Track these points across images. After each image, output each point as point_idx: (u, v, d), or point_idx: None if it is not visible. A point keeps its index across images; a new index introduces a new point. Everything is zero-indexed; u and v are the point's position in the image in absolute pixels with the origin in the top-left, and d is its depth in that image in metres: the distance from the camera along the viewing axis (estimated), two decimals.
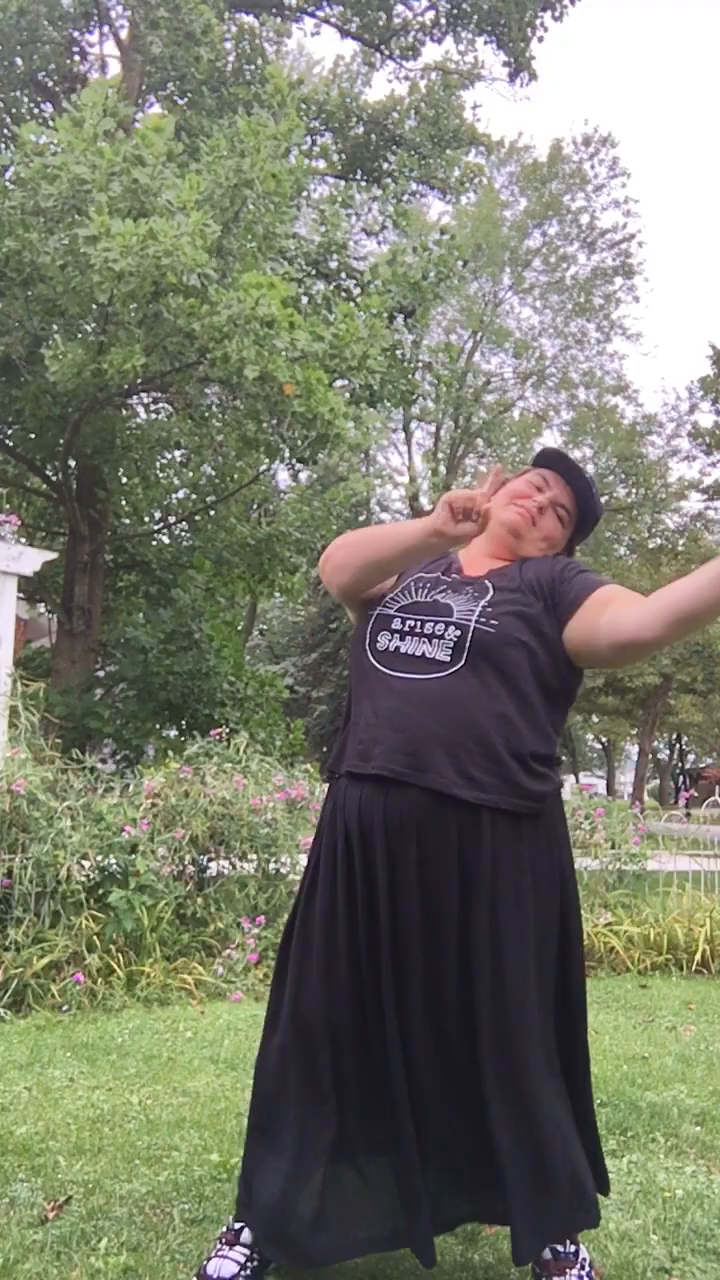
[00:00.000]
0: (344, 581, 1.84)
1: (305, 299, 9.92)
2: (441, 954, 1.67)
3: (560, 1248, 1.78)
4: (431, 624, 1.75)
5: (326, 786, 1.88)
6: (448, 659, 1.71)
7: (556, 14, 12.85)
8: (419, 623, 1.76)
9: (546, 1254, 1.78)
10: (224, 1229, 1.86)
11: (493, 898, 1.67)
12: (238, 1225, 1.82)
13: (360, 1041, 1.70)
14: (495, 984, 1.66)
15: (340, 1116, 1.71)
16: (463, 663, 1.70)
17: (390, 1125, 1.68)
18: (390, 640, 1.77)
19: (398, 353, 10.26)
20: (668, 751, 44.50)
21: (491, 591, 1.79)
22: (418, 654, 1.73)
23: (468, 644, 1.71)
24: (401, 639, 1.76)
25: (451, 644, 1.72)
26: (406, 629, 1.76)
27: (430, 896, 1.66)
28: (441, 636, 1.73)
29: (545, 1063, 1.72)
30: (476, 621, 1.72)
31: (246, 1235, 1.80)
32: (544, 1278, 1.77)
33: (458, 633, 1.72)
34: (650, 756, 31.43)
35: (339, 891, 1.72)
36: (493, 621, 1.72)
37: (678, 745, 44.27)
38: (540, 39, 13.12)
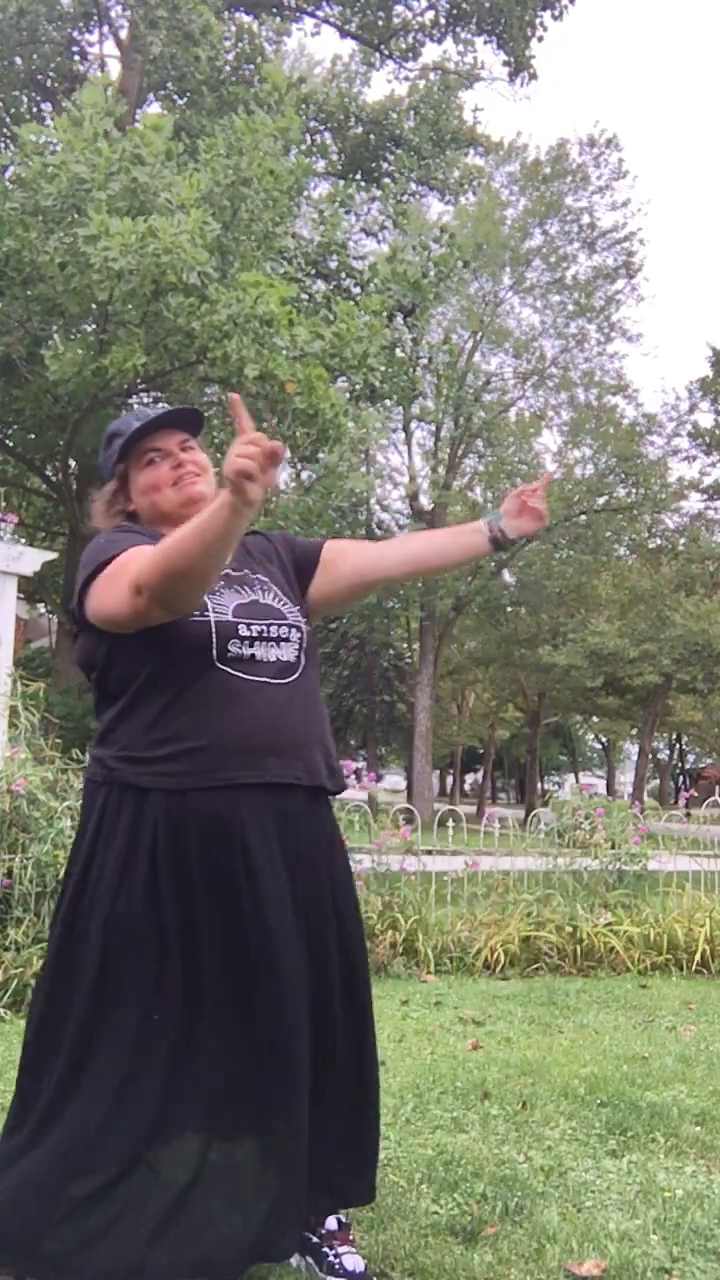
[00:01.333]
0: (180, 606, 1.62)
1: (305, 298, 9.91)
2: (323, 941, 1.76)
3: (343, 1217, 1.89)
4: (276, 627, 1.77)
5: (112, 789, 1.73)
6: (294, 660, 1.77)
7: (556, 13, 12.86)
8: (265, 627, 1.76)
9: (332, 1223, 1.87)
10: None
11: (340, 875, 1.85)
12: None
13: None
14: (354, 959, 1.84)
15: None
16: (305, 662, 1.80)
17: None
18: (241, 647, 1.73)
19: (398, 351, 10.25)
20: (668, 751, 44.53)
21: (273, 582, 1.86)
22: (272, 659, 1.74)
23: (305, 644, 1.81)
24: (252, 645, 1.74)
25: (297, 646, 1.78)
26: (255, 634, 1.74)
27: (311, 886, 1.76)
28: (288, 639, 1.77)
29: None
30: (305, 620, 1.83)
31: None
32: (329, 1246, 1.84)
33: (299, 634, 1.80)
34: (650, 756, 31.44)
35: (215, 901, 1.66)
36: (305, 617, 1.84)
37: (678, 745, 44.31)
38: (540, 38, 13.11)
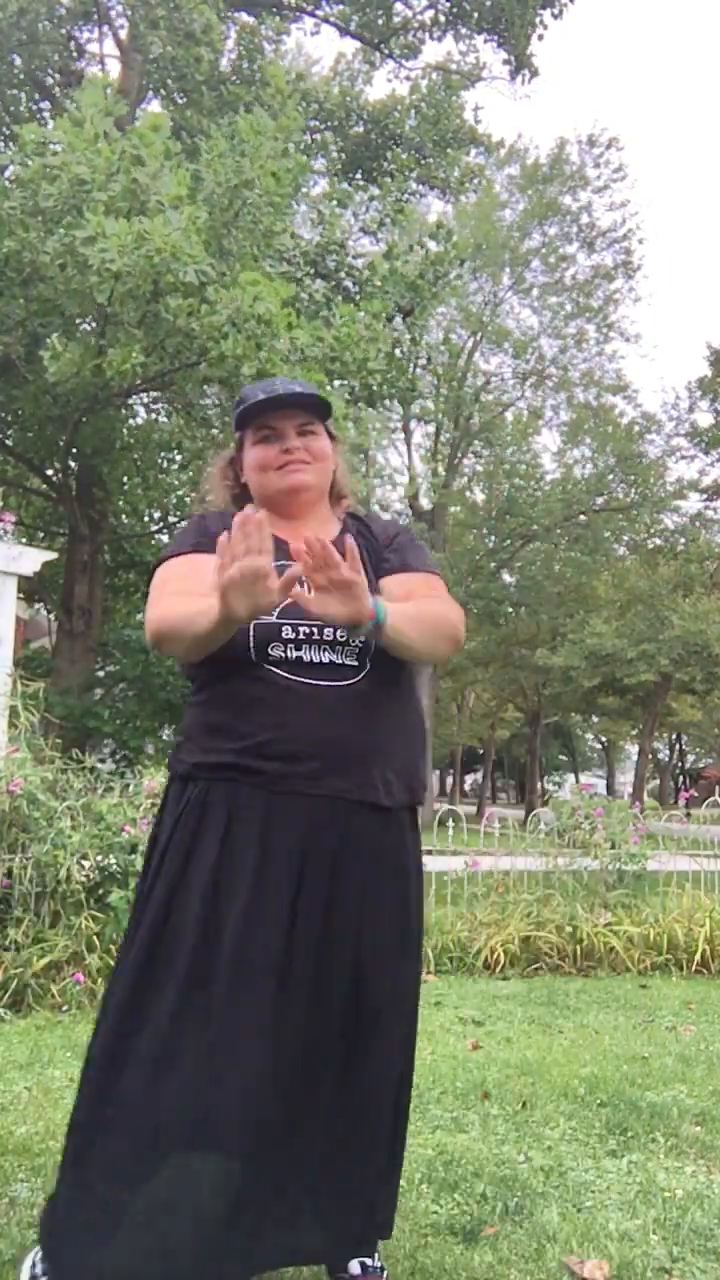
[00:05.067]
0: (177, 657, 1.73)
1: (305, 298, 9.91)
2: (384, 966, 1.64)
3: (368, 1261, 1.79)
4: (330, 629, 1.62)
5: (180, 783, 1.70)
6: (356, 663, 1.64)
7: (556, 11, 12.83)
8: (314, 629, 1.62)
9: (355, 1268, 1.77)
10: None
11: (406, 895, 1.72)
12: None
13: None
14: (401, 989, 1.70)
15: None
16: (369, 667, 1.65)
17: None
18: (285, 650, 1.62)
19: (396, 351, 10.25)
20: (668, 751, 44.54)
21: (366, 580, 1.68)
22: (324, 661, 1.62)
23: (372, 648, 1.64)
24: (299, 647, 1.62)
25: (357, 649, 1.64)
26: (302, 636, 1.62)
27: (372, 908, 1.64)
28: (346, 642, 1.63)
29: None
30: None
31: None
32: None
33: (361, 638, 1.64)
34: (650, 756, 31.44)
35: (273, 913, 1.58)
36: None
37: (678, 745, 44.31)
38: (540, 36, 13.09)
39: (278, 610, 1.60)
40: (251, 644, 1.62)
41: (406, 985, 1.73)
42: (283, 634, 1.62)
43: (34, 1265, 1.71)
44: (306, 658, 1.62)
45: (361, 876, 1.63)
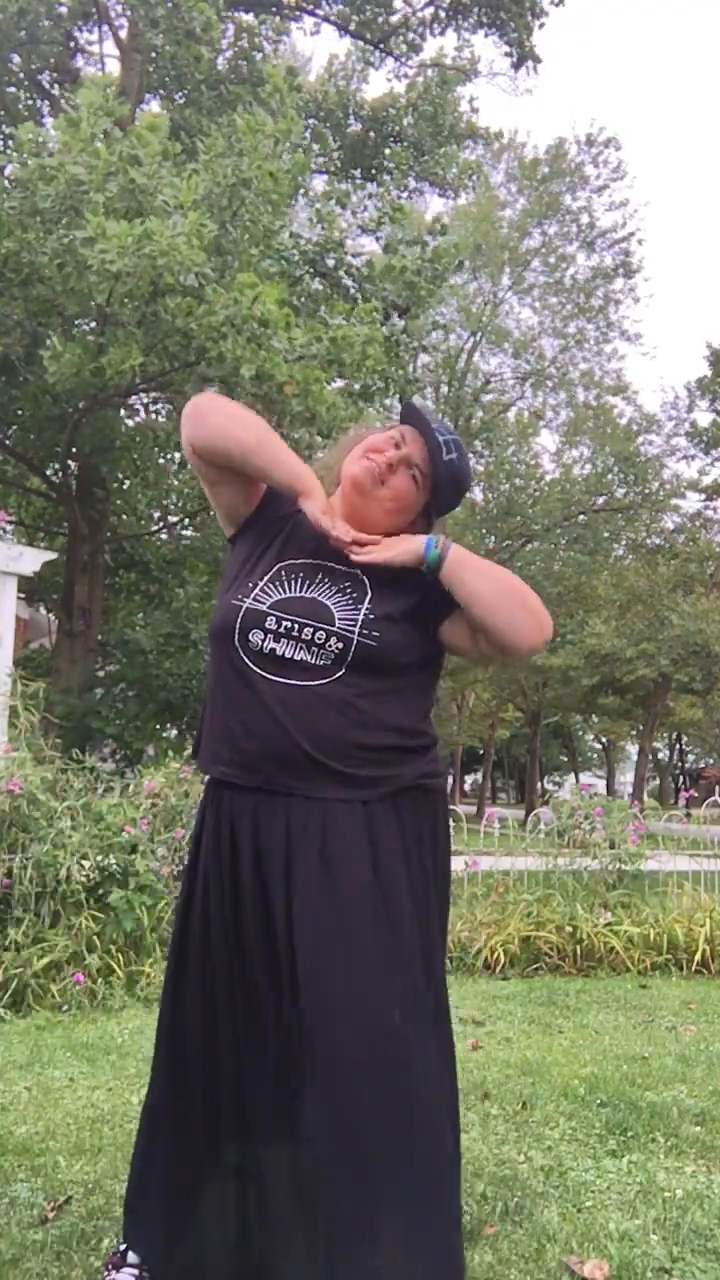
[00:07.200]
0: (200, 443, 1.72)
1: (304, 298, 9.91)
2: (353, 955, 1.56)
3: None
4: (311, 629, 1.63)
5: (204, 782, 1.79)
6: (328, 665, 1.63)
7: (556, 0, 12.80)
8: (296, 625, 1.63)
9: None
10: (112, 1251, 1.86)
11: (397, 890, 1.62)
12: (123, 1247, 1.82)
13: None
14: (426, 972, 1.65)
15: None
16: (342, 671, 1.63)
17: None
18: (264, 640, 1.63)
19: (395, 343, 10.23)
20: (668, 751, 44.55)
21: (371, 593, 1.70)
22: (295, 658, 1.62)
23: (349, 657, 1.63)
24: (276, 640, 1.63)
25: (333, 655, 1.63)
26: (282, 630, 1.63)
27: (336, 899, 1.57)
28: (323, 646, 1.62)
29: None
30: (360, 634, 1.64)
31: (132, 1256, 1.79)
32: None
33: (339, 644, 1.63)
34: (650, 756, 31.43)
35: (228, 908, 1.65)
36: (374, 633, 1.64)
37: (678, 745, 44.32)
38: (541, 25, 13.04)
39: (270, 601, 1.66)
40: (238, 624, 1.65)
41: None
42: (266, 624, 1.64)
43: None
44: (281, 652, 1.63)
45: (342, 867, 1.59)
